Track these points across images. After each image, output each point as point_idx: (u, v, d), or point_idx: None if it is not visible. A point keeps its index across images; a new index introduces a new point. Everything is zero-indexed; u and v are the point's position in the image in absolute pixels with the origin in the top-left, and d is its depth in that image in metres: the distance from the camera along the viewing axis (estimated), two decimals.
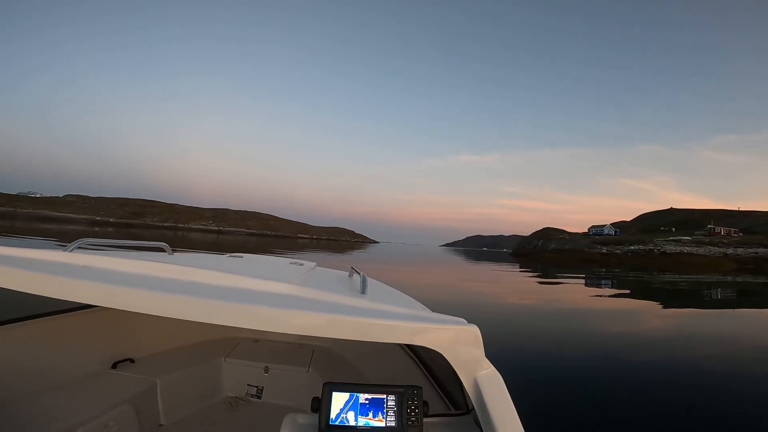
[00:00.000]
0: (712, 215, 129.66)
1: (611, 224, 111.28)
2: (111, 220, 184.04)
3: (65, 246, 1.44)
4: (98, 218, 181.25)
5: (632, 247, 76.00)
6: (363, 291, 1.39)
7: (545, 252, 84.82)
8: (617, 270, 39.99)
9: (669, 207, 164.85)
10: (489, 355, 1.13)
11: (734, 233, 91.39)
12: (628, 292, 18.30)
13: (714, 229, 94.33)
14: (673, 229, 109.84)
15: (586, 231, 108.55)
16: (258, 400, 2.67)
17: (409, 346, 2.18)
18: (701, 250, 70.92)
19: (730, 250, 69.99)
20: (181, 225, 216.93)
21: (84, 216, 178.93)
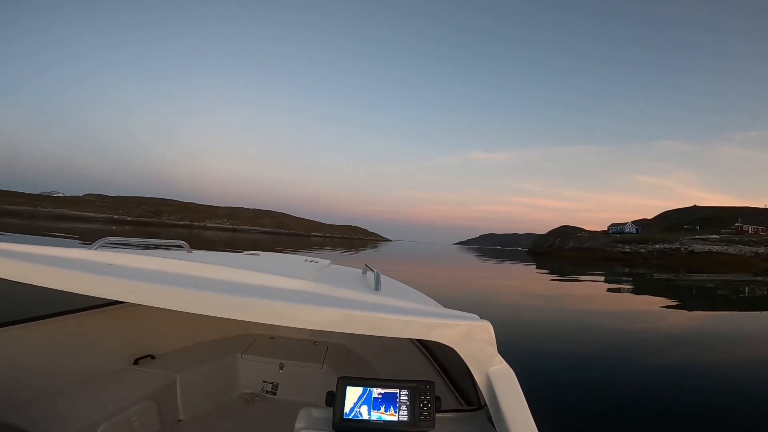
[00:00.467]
0: (739, 213, 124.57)
1: (632, 222, 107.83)
2: (128, 218, 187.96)
3: (90, 245, 1.50)
4: (116, 217, 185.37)
5: (657, 246, 73.29)
6: (376, 288, 1.40)
7: (563, 251, 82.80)
8: (642, 270, 38.35)
9: (692, 204, 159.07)
10: (502, 352, 1.11)
11: (761, 231, 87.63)
12: (667, 299, 16.84)
13: (742, 227, 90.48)
14: (698, 227, 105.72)
15: (606, 229, 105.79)
16: (273, 396, 2.69)
17: (421, 341, 2.20)
18: (731, 249, 67.97)
19: (761, 249, 66.95)
20: (197, 223, 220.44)
21: (102, 215, 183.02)
